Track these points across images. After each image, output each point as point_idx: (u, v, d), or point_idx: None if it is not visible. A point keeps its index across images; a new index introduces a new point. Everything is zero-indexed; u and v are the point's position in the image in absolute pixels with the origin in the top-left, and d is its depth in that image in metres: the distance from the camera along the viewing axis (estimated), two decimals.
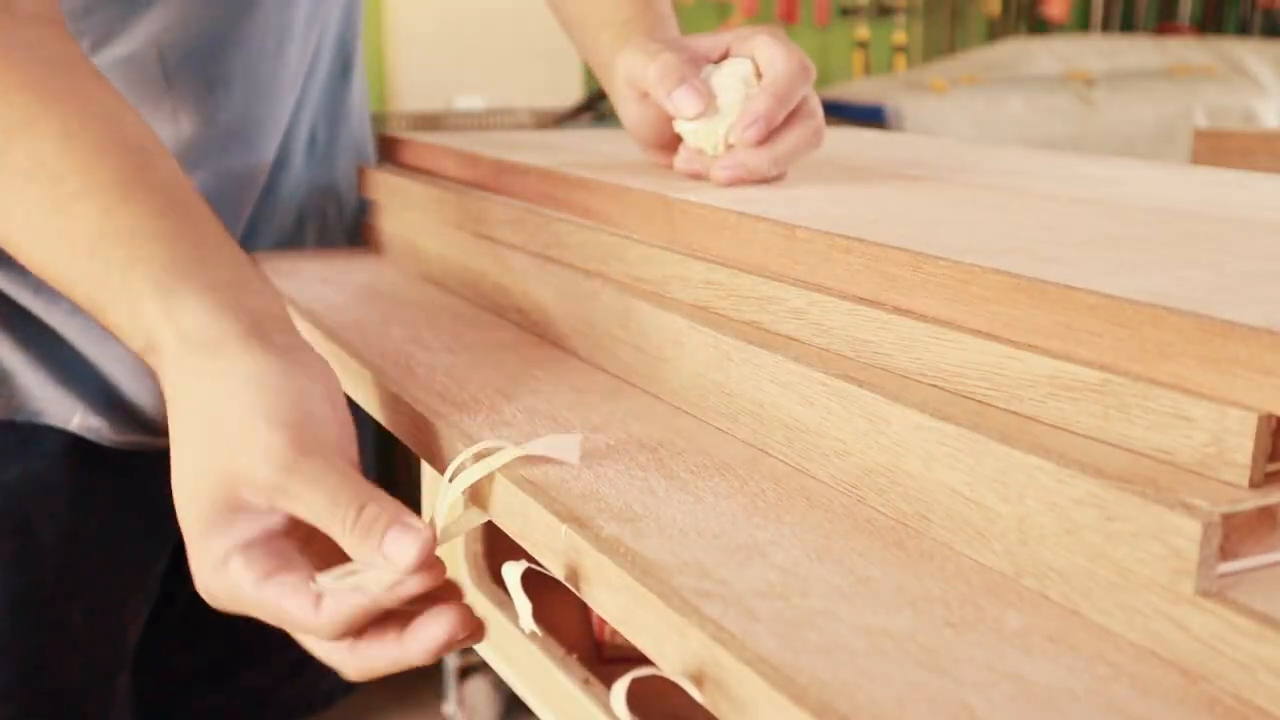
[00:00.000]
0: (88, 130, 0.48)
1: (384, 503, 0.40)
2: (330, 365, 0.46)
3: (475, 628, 0.40)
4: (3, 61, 0.51)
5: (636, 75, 0.63)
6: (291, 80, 0.79)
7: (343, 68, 0.86)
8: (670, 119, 0.64)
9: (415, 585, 0.39)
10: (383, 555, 0.39)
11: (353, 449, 0.44)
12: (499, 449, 0.42)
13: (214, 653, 0.91)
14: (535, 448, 0.42)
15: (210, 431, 0.42)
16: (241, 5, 0.74)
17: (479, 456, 0.42)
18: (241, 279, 0.46)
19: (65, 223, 0.47)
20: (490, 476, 0.42)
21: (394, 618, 0.41)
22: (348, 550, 0.40)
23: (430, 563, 0.39)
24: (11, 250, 0.50)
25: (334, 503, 0.40)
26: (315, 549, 0.43)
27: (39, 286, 0.71)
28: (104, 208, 0.46)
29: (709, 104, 0.60)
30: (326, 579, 0.40)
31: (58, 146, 0.48)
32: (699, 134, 0.61)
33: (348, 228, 0.89)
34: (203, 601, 0.43)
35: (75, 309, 0.61)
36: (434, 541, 0.39)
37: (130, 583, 0.80)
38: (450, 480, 0.42)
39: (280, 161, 0.81)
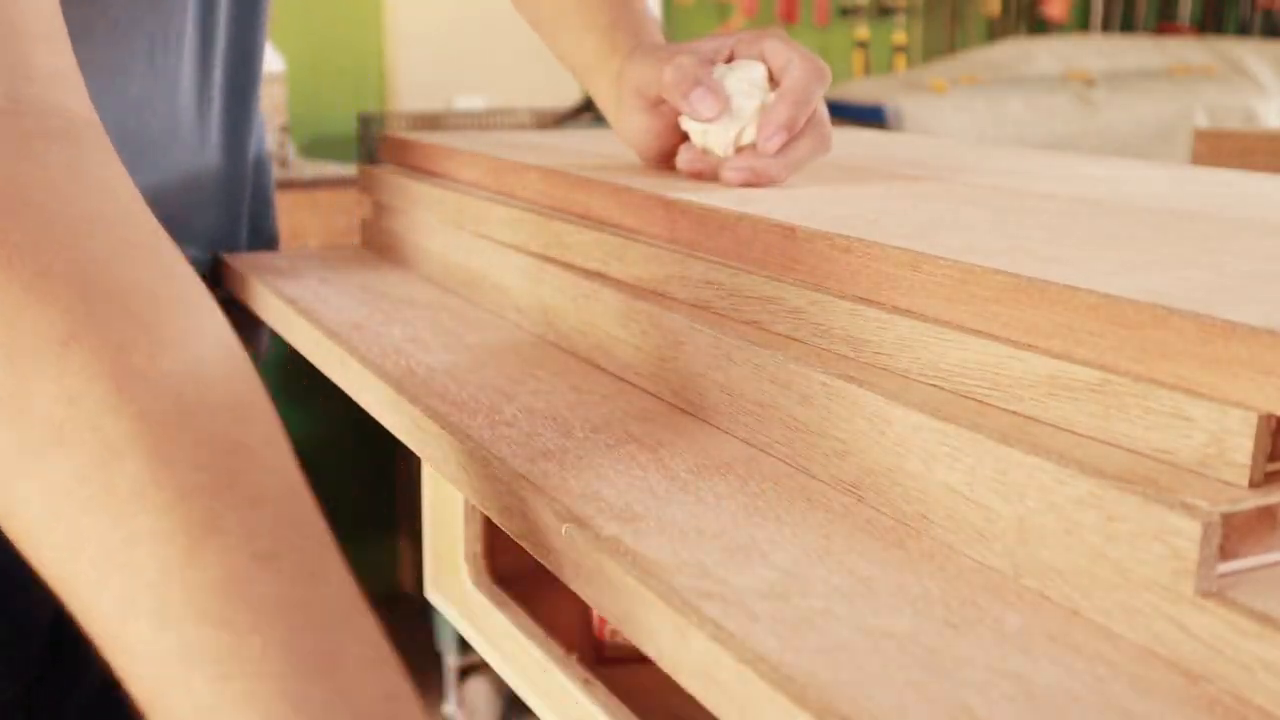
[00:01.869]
0: (153, 368, 0.32)
1: None
2: None
3: None
4: (18, 234, 0.33)
5: (649, 82, 0.63)
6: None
7: (234, 125, 0.80)
8: (676, 130, 0.64)
9: None
10: None
11: None
12: None
13: None
14: None
15: None
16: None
17: None
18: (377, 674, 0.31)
19: (121, 559, 0.29)
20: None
21: None
22: None
23: None
24: (36, 562, 0.31)
25: None
26: None
27: None
28: (185, 549, 0.29)
29: (726, 106, 0.60)
30: None
31: (100, 409, 0.31)
32: (709, 135, 0.61)
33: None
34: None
35: None
36: None
37: None
38: None
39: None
